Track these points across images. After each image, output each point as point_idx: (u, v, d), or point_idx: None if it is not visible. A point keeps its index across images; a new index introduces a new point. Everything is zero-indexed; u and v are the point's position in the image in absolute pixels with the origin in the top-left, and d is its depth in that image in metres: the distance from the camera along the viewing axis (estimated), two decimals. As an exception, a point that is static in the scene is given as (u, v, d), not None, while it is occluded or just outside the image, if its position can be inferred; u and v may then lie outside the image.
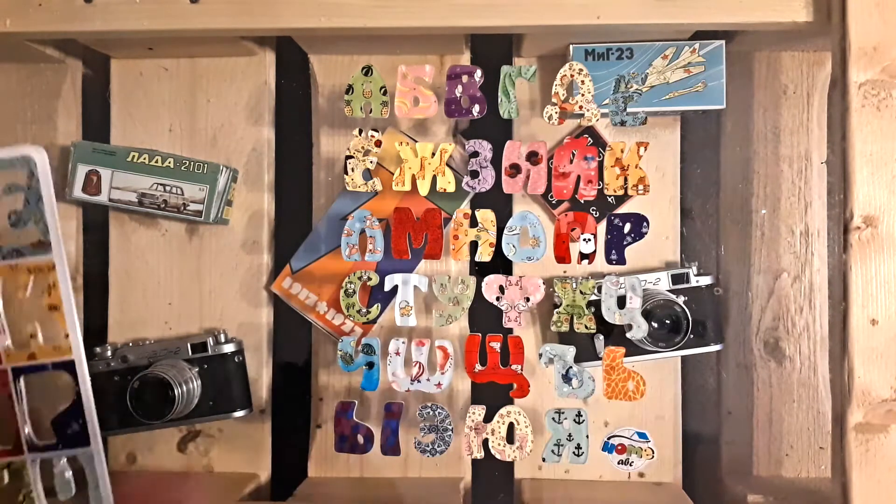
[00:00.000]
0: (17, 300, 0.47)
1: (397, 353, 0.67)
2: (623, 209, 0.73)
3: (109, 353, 0.72)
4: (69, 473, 0.46)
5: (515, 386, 0.66)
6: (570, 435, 0.66)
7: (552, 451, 0.66)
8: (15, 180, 0.46)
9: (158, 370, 0.69)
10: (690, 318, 0.69)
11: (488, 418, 0.66)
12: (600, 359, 0.66)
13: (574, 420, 0.66)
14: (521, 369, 0.66)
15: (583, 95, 0.65)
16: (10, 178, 0.46)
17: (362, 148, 0.67)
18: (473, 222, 0.66)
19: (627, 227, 0.65)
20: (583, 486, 0.75)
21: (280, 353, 0.77)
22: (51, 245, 0.46)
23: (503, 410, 0.66)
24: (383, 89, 0.67)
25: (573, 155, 0.65)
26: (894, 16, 0.58)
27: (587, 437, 0.66)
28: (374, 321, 0.70)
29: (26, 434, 0.47)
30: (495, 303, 0.66)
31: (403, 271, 0.68)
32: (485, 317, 0.70)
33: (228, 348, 0.73)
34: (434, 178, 0.67)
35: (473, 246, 0.66)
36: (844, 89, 0.58)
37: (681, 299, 0.70)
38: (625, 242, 0.66)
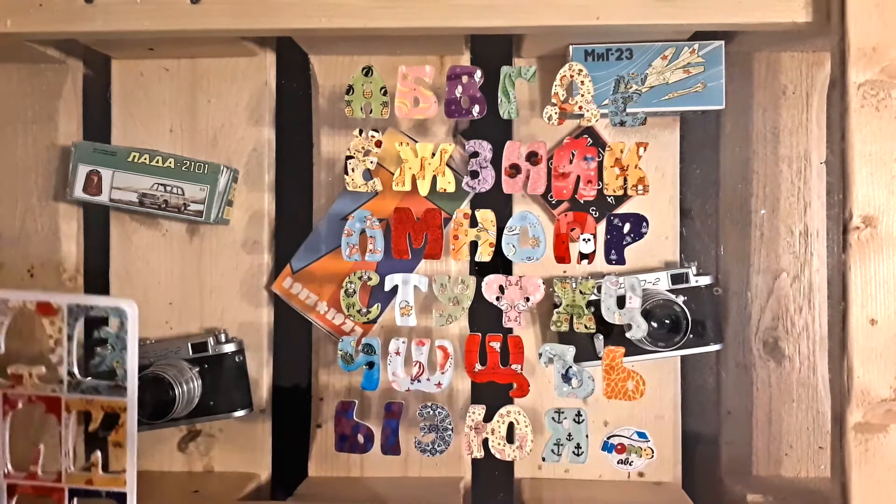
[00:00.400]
0: (85, 431, 0.55)
1: (397, 353, 0.67)
2: (623, 209, 0.73)
3: (110, 352, 0.72)
4: None
5: (515, 386, 0.67)
6: (569, 434, 0.66)
7: (552, 450, 0.66)
8: (106, 326, 0.53)
9: (159, 370, 0.69)
10: (690, 318, 0.69)
11: (488, 418, 0.66)
12: (600, 358, 0.66)
13: (574, 420, 0.66)
14: (521, 369, 0.66)
15: (582, 96, 0.65)
16: (99, 322, 0.53)
17: (362, 148, 0.67)
18: (473, 222, 0.66)
19: (627, 227, 0.66)
20: (583, 486, 0.75)
21: (280, 353, 0.77)
22: (126, 390, 0.53)
23: (503, 410, 0.66)
24: (383, 90, 0.67)
25: (573, 155, 0.66)
26: (894, 16, 0.58)
27: (587, 436, 0.66)
28: (374, 321, 0.70)
29: None
30: (495, 303, 0.66)
31: (403, 271, 0.68)
32: (485, 317, 0.71)
33: (229, 348, 0.73)
34: (434, 179, 0.67)
35: (473, 246, 0.66)
36: (844, 89, 0.58)
37: (680, 299, 0.70)
38: (624, 242, 0.66)
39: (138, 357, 0.71)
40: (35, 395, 0.54)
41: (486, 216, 0.66)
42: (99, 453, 0.54)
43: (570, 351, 0.66)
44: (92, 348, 0.55)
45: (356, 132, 0.67)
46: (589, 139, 0.68)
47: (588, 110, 0.65)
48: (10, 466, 0.55)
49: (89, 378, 0.54)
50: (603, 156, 0.66)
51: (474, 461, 0.76)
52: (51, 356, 0.54)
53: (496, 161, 0.66)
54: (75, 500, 0.54)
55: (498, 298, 0.66)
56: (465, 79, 0.66)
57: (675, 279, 0.72)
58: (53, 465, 0.55)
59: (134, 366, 0.53)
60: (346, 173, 0.67)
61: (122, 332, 0.53)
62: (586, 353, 0.71)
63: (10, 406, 0.54)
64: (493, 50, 0.74)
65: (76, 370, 0.54)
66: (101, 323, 0.54)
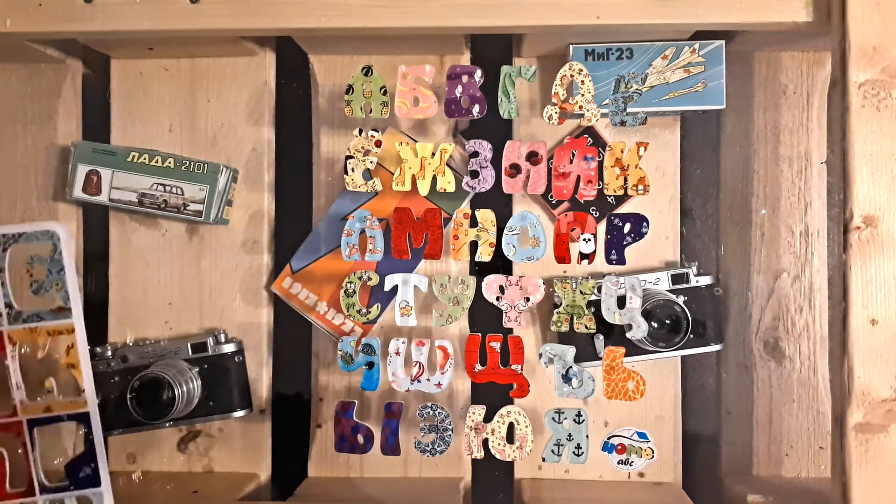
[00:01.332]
0: (34, 360, 0.53)
1: (397, 353, 0.67)
2: (623, 209, 0.73)
3: (109, 353, 0.72)
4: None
5: (515, 386, 0.66)
6: (570, 435, 0.66)
7: (552, 451, 0.66)
8: (38, 252, 0.52)
9: (158, 370, 0.69)
10: (690, 318, 0.69)
11: (488, 418, 0.66)
12: (600, 359, 0.66)
13: (574, 420, 0.66)
14: (521, 369, 0.66)
15: (583, 95, 0.65)
16: (34, 250, 0.52)
17: (362, 148, 0.67)
18: (473, 222, 0.66)
19: (627, 227, 0.65)
20: (583, 486, 0.75)
21: (280, 353, 0.77)
22: (71, 311, 0.52)
23: (503, 410, 0.66)
24: (383, 89, 0.67)
25: (573, 155, 0.66)
26: (894, 16, 0.58)
27: (587, 437, 0.66)
28: (374, 321, 0.70)
29: (39, 479, 0.53)
30: (495, 303, 0.66)
31: (403, 271, 0.68)
32: (485, 317, 0.71)
33: (228, 348, 0.73)
34: (434, 178, 0.67)
35: (473, 246, 0.66)
36: (844, 89, 0.58)
37: (681, 299, 0.70)
38: (625, 242, 0.66)
39: (137, 357, 0.72)
40: None
41: (486, 216, 0.66)
42: (52, 379, 0.54)
43: (571, 351, 0.66)
44: (27, 277, 0.53)
45: (356, 132, 0.67)
46: (589, 139, 0.68)
47: (588, 110, 0.65)
48: None
49: (30, 307, 0.53)
50: (603, 155, 0.66)
51: (474, 461, 0.75)
52: None
53: (496, 161, 0.66)
54: (35, 429, 0.53)
55: (498, 298, 0.66)
56: (465, 78, 0.66)
57: (676, 279, 0.72)
58: (8, 402, 0.54)
59: (74, 285, 0.52)
60: (346, 173, 0.67)
61: (56, 255, 0.52)
62: (586, 353, 0.71)
63: None
64: (493, 50, 0.74)
65: (13, 301, 0.52)
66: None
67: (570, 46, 0.69)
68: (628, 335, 0.66)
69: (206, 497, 0.71)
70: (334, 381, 0.76)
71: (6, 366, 0.53)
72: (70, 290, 0.53)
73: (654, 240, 0.74)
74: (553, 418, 0.66)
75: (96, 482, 0.53)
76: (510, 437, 0.66)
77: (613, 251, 0.66)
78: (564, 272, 0.74)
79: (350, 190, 0.68)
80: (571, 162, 0.66)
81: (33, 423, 0.53)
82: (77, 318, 0.53)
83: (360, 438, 0.68)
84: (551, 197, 0.69)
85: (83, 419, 0.53)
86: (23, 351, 0.53)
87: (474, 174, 0.66)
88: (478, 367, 0.66)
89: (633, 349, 0.69)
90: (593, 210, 0.73)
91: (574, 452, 0.66)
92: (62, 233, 0.52)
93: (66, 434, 0.53)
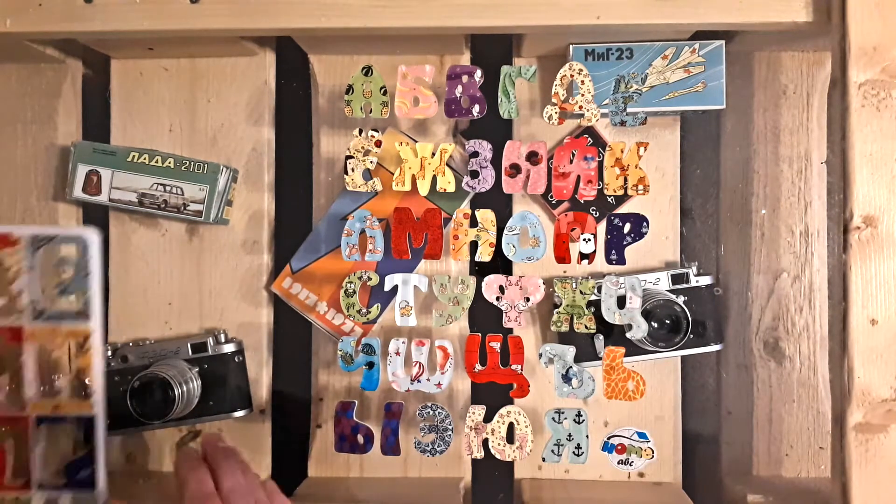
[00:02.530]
0: (51, 359, 0.54)
1: (397, 353, 0.67)
2: (623, 209, 0.73)
3: (110, 353, 0.72)
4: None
5: (515, 386, 0.66)
6: (570, 435, 0.66)
7: (552, 450, 0.66)
8: (68, 254, 0.53)
9: (159, 370, 0.69)
10: (690, 318, 0.69)
11: (488, 418, 0.66)
12: (600, 359, 0.66)
13: (574, 420, 0.66)
14: (521, 369, 0.66)
15: (583, 95, 0.65)
16: (64, 253, 0.54)
17: (362, 148, 0.67)
18: (473, 222, 0.66)
19: (627, 227, 0.65)
20: (583, 486, 0.75)
21: (280, 354, 0.77)
22: (90, 316, 0.53)
23: (503, 410, 0.66)
24: (383, 89, 0.67)
25: (573, 155, 0.66)
26: (894, 16, 0.58)
27: (587, 437, 0.66)
28: (374, 321, 0.70)
29: (37, 475, 0.54)
30: (495, 303, 0.66)
31: (403, 271, 0.68)
32: (485, 317, 0.71)
33: (228, 348, 0.73)
34: (434, 178, 0.67)
35: (473, 246, 0.66)
36: (844, 89, 0.58)
37: (681, 299, 0.70)
38: (625, 242, 0.66)
39: (137, 357, 0.72)
40: None
41: (486, 216, 0.66)
42: (66, 381, 0.54)
43: (571, 351, 0.66)
44: (55, 278, 0.54)
45: (356, 132, 0.67)
46: (589, 139, 0.68)
47: (588, 110, 0.65)
48: None
49: (53, 307, 0.54)
50: (603, 155, 0.66)
51: (474, 461, 0.75)
52: (11, 287, 0.53)
53: (496, 161, 0.66)
54: (42, 426, 0.54)
55: (498, 298, 0.66)
56: (465, 78, 0.66)
57: (676, 279, 0.72)
58: (18, 397, 0.55)
59: (97, 291, 0.53)
60: (346, 173, 0.67)
61: (84, 260, 0.53)
62: (586, 353, 0.71)
63: None
64: (493, 50, 0.74)
65: (39, 299, 0.53)
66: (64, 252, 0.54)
67: (570, 46, 0.69)
68: (628, 335, 0.66)
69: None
70: (334, 381, 0.76)
71: (21, 361, 0.54)
72: (93, 295, 0.53)
73: (654, 240, 0.74)
74: (553, 418, 0.66)
75: (92, 485, 0.54)
76: (510, 437, 0.66)
77: (613, 251, 0.66)
78: (564, 272, 0.74)
79: (350, 190, 0.68)
80: (571, 162, 0.66)
81: (40, 420, 0.54)
82: (96, 324, 0.54)
83: (360, 438, 0.68)
84: (551, 197, 0.69)
85: (89, 422, 0.54)
86: (40, 348, 0.54)
87: (474, 174, 0.66)
88: (478, 367, 0.66)
89: (633, 349, 0.69)
90: (593, 210, 0.73)
91: (574, 452, 0.66)
92: (93, 239, 0.53)
93: (70, 434, 0.54)
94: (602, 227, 0.67)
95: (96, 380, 0.54)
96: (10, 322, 0.53)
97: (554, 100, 0.65)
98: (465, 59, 0.76)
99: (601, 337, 0.71)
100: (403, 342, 0.67)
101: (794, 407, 0.75)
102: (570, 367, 0.65)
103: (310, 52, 0.75)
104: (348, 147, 0.67)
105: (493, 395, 0.68)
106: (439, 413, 0.67)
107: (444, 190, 0.67)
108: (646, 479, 0.76)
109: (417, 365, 0.67)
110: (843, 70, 0.58)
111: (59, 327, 0.53)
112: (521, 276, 0.66)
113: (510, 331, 0.68)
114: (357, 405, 0.69)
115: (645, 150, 0.65)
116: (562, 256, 0.66)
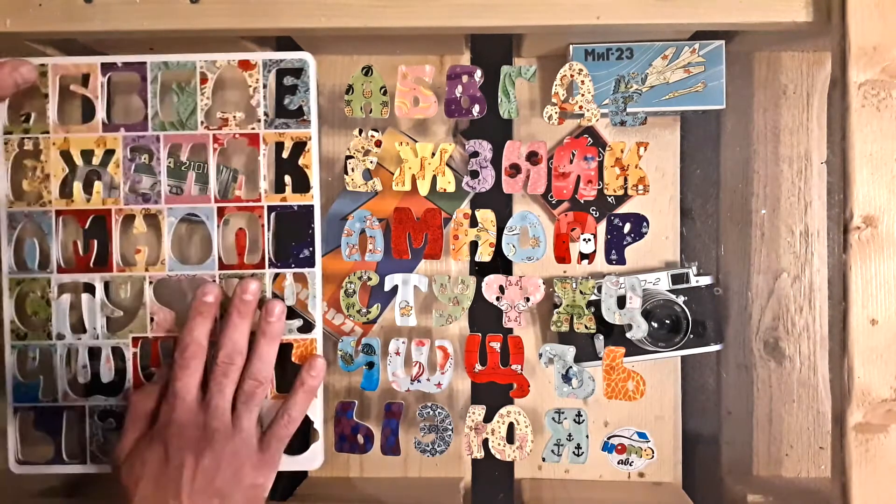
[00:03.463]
0: (280, 159, 0.67)
1: (397, 353, 0.67)
2: (623, 209, 0.73)
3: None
4: (292, 285, 0.67)
5: (515, 386, 0.66)
6: (570, 435, 0.66)
7: (552, 450, 0.66)
8: (293, 73, 0.66)
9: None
10: (690, 318, 0.69)
11: (488, 418, 0.66)
12: (600, 359, 0.66)
13: (574, 420, 0.66)
14: (521, 369, 0.66)
15: (583, 95, 0.65)
16: (289, 72, 0.66)
17: (362, 148, 0.67)
18: (473, 222, 0.66)
19: (627, 227, 0.65)
20: (583, 486, 0.75)
21: (280, 353, 0.77)
22: (310, 123, 0.66)
23: (503, 410, 0.66)
24: (383, 89, 0.67)
25: (573, 155, 0.66)
26: (894, 16, 0.58)
27: (587, 436, 0.66)
28: (374, 321, 0.70)
29: (269, 255, 0.66)
30: (495, 303, 0.66)
31: (403, 271, 0.68)
32: (485, 317, 0.71)
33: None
34: (434, 178, 0.67)
35: (473, 246, 0.66)
36: (844, 89, 0.58)
37: (681, 299, 0.70)
38: (625, 242, 0.66)
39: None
40: (239, 133, 0.67)
41: (486, 216, 0.66)
42: (290, 177, 0.66)
43: (571, 351, 0.66)
44: (283, 93, 0.67)
45: (356, 132, 0.67)
46: (589, 139, 0.68)
47: (588, 110, 0.65)
48: (216, 192, 0.67)
49: (281, 117, 0.66)
50: (603, 155, 0.66)
51: (474, 461, 0.75)
52: (251, 101, 0.66)
53: (496, 161, 0.66)
54: (273, 214, 0.66)
55: (498, 298, 0.66)
56: (465, 78, 0.66)
57: (676, 279, 0.72)
58: (254, 190, 0.67)
59: (314, 105, 0.66)
60: (346, 173, 0.67)
61: (305, 77, 0.66)
62: (586, 353, 0.71)
63: (219, 143, 0.67)
64: (493, 50, 0.74)
65: (270, 111, 0.66)
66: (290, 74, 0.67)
67: (570, 46, 0.70)
68: (628, 335, 0.66)
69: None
70: (334, 381, 0.76)
71: (258, 161, 0.67)
72: (312, 106, 0.66)
73: (654, 240, 0.74)
74: (553, 418, 0.66)
75: (312, 263, 0.67)
76: (510, 437, 0.66)
77: (613, 251, 0.66)
78: (564, 272, 0.74)
79: (350, 190, 0.67)
80: (571, 162, 0.66)
81: (271, 209, 0.66)
82: (314, 129, 0.66)
83: (360, 438, 0.68)
84: (551, 197, 0.69)
85: (309, 210, 0.66)
86: (270, 150, 0.67)
87: (474, 174, 0.66)
88: (478, 367, 0.66)
89: (633, 349, 0.69)
90: (593, 210, 0.73)
91: (574, 452, 0.66)
92: (310, 61, 0.66)
93: (295, 221, 0.67)
94: (602, 227, 0.67)
95: (315, 176, 0.66)
96: (250, 129, 0.67)
97: (554, 100, 0.65)
98: (465, 59, 0.76)
99: (601, 337, 0.71)
100: (403, 342, 0.67)
101: (794, 407, 0.75)
102: (570, 367, 0.66)
103: (310, 52, 0.75)
104: (348, 147, 0.67)
105: (493, 395, 0.68)
106: (439, 413, 0.67)
107: (444, 190, 0.67)
108: (646, 479, 0.76)
109: (417, 365, 0.67)
110: (843, 70, 0.58)
111: (286, 132, 0.66)
112: (521, 276, 0.66)
113: (510, 331, 0.68)
114: (357, 405, 0.69)
115: (645, 150, 0.65)
116: (562, 256, 0.66)
